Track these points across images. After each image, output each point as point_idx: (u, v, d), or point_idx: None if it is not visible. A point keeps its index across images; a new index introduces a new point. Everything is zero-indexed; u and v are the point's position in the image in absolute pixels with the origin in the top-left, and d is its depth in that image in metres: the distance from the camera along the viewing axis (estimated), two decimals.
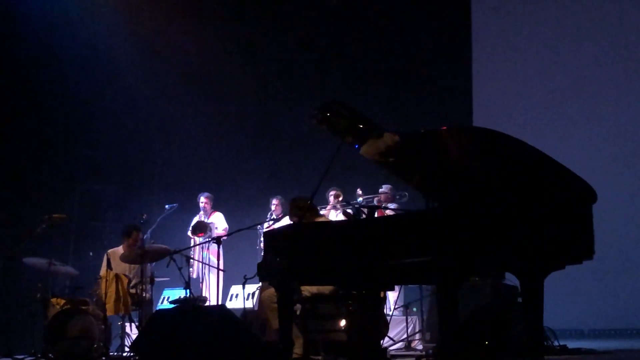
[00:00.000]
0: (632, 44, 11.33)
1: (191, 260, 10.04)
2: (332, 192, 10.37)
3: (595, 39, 11.56)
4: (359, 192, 10.26)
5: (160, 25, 12.14)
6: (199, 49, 12.27)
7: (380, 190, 10.21)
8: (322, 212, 9.87)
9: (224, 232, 10.50)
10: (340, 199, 10.28)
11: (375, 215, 6.78)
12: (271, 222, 10.17)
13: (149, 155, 12.58)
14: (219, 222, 10.89)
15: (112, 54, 11.87)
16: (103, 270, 8.51)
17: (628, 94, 11.24)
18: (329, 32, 12.77)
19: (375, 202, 10.07)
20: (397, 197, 10.15)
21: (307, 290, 6.91)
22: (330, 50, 12.77)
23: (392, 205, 9.77)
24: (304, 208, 6.98)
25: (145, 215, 8.40)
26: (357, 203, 9.94)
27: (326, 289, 6.96)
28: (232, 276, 10.22)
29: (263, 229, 10.02)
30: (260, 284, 8.38)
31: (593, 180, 5.60)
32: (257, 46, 12.85)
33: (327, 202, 10.36)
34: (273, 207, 10.60)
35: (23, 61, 11.39)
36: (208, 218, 10.87)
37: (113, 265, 8.36)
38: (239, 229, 8.16)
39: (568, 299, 10.35)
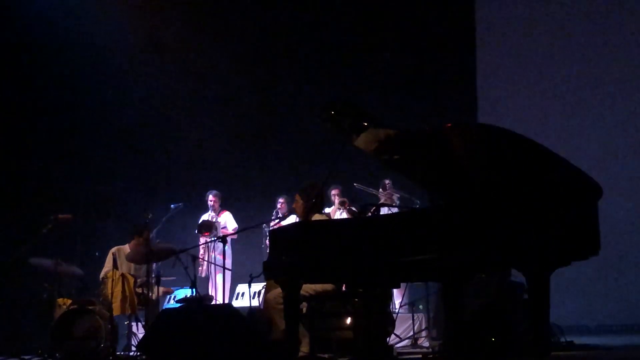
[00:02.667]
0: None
1: (199, 260, 10.08)
2: (335, 191, 10.37)
3: (600, 32, 11.52)
4: (356, 185, 10.28)
5: (165, 23, 12.16)
6: (204, 47, 12.27)
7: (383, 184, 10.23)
8: (327, 211, 9.88)
9: (232, 231, 10.51)
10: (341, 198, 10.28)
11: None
12: (277, 221, 10.17)
13: (155, 154, 12.57)
14: (228, 222, 10.91)
15: (116, 52, 11.88)
16: (107, 267, 8.52)
17: (634, 88, 11.20)
18: (335, 31, 12.74)
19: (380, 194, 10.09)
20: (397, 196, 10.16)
21: (312, 289, 6.91)
22: (337, 49, 12.75)
23: (397, 195, 9.81)
24: (312, 194, 6.99)
25: (150, 214, 8.40)
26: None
27: (331, 287, 6.97)
28: (238, 275, 10.23)
29: (269, 227, 10.02)
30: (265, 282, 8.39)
31: (599, 175, 5.59)
32: (264, 44, 12.83)
33: (331, 202, 10.36)
34: (279, 206, 10.61)
35: (25, 60, 11.42)
36: (217, 217, 10.88)
37: (118, 263, 8.38)
38: (244, 227, 8.16)
39: (575, 295, 10.34)
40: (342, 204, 10.20)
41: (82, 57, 11.61)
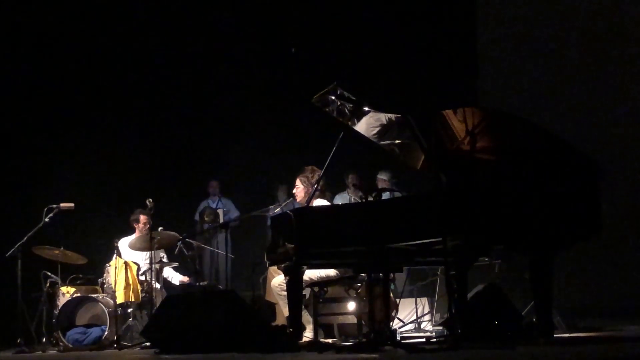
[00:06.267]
0: None
1: (200, 246, 10.10)
2: (352, 176, 10.36)
3: (603, 18, 11.43)
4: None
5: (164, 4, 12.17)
6: (207, 30, 12.25)
7: (379, 176, 10.20)
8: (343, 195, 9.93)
9: (234, 218, 10.54)
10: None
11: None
12: (277, 210, 10.18)
13: (156, 142, 12.54)
14: (230, 209, 10.95)
15: (112, 32, 11.86)
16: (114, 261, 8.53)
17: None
18: (335, 18, 12.65)
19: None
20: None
21: (315, 274, 6.92)
22: (337, 35, 12.66)
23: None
24: (313, 179, 7.00)
25: (151, 201, 8.38)
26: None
27: (334, 272, 6.97)
28: (242, 262, 10.24)
29: (270, 214, 10.02)
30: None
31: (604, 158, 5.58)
32: (259, 30, 12.77)
33: (347, 187, 10.37)
34: (280, 193, 10.64)
35: (23, 54, 11.43)
36: (217, 205, 10.89)
37: (124, 254, 8.38)
38: (246, 215, 8.17)
39: (577, 277, 10.32)
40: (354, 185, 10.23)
41: (78, 40, 11.60)
